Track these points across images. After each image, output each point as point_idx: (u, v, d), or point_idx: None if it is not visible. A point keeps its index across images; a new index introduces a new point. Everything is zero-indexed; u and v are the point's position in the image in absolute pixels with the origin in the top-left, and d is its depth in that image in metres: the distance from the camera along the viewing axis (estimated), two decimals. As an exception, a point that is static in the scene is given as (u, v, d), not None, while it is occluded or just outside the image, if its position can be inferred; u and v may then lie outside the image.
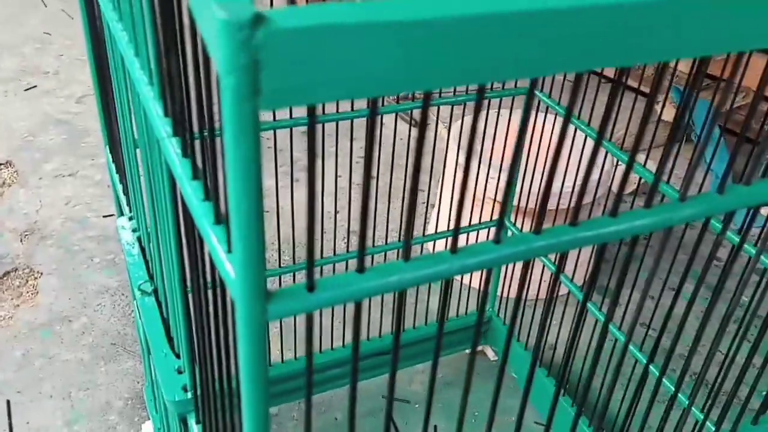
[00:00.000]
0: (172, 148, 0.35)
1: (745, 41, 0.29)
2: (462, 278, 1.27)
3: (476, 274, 1.45)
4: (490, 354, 1.33)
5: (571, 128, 1.02)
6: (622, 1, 0.24)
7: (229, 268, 0.27)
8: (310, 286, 0.28)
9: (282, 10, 0.22)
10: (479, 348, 1.35)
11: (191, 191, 0.32)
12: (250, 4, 0.21)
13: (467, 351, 1.34)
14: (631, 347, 0.96)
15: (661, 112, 1.24)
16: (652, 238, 1.53)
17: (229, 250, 0.28)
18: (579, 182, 1.22)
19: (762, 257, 0.67)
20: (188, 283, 0.42)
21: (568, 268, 1.26)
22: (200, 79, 0.28)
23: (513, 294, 1.34)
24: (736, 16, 0.28)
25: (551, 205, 1.27)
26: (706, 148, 1.86)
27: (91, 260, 1.53)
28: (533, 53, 0.25)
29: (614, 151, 0.90)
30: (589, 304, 1.04)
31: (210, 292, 0.35)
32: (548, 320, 1.25)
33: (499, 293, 1.28)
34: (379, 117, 1.00)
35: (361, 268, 0.29)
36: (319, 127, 0.93)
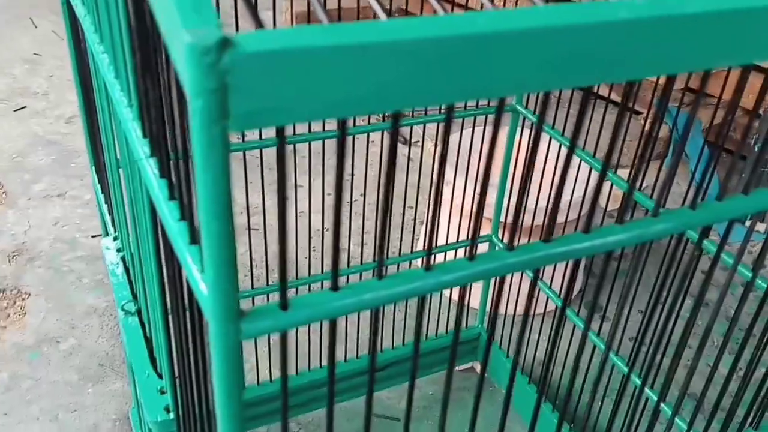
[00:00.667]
0: (149, 168, 0.36)
1: (719, 58, 0.30)
2: (451, 294, 1.27)
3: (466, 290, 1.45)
4: (479, 370, 1.33)
5: (557, 144, 1.02)
6: (578, 22, 0.25)
7: (203, 287, 0.27)
8: (284, 305, 0.28)
9: (249, 34, 0.22)
10: (470, 364, 1.35)
11: (167, 211, 0.32)
12: (217, 29, 0.21)
13: (458, 368, 1.34)
14: (617, 360, 0.97)
15: (658, 130, 1.25)
16: (641, 252, 1.54)
17: (203, 270, 0.28)
18: (554, 197, 1.22)
19: (743, 270, 0.68)
20: (168, 303, 0.42)
21: (557, 282, 1.26)
22: (173, 100, 0.29)
23: (506, 311, 1.34)
24: (710, 33, 0.28)
25: (538, 221, 1.27)
26: (695, 164, 1.87)
27: (79, 281, 1.52)
28: (499, 73, 0.25)
29: (591, 161, 0.91)
30: (574, 317, 1.04)
31: (188, 312, 0.35)
32: (527, 335, 1.25)
33: (490, 309, 1.28)
34: (367, 135, 1.00)
35: (335, 287, 0.29)
36: (305, 145, 0.94)
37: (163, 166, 0.34)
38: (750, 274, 0.71)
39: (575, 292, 1.53)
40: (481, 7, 0.28)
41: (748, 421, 0.62)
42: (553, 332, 1.24)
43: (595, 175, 1.15)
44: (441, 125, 1.43)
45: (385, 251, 0.29)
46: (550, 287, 1.11)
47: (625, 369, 0.96)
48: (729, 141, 1.95)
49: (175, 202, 0.32)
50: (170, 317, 0.42)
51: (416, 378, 1.17)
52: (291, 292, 1.11)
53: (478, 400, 0.41)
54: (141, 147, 0.37)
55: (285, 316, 0.28)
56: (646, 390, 0.92)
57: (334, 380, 0.32)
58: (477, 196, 0.29)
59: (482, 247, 1.19)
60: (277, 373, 1.20)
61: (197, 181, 0.23)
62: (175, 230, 0.31)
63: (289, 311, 0.28)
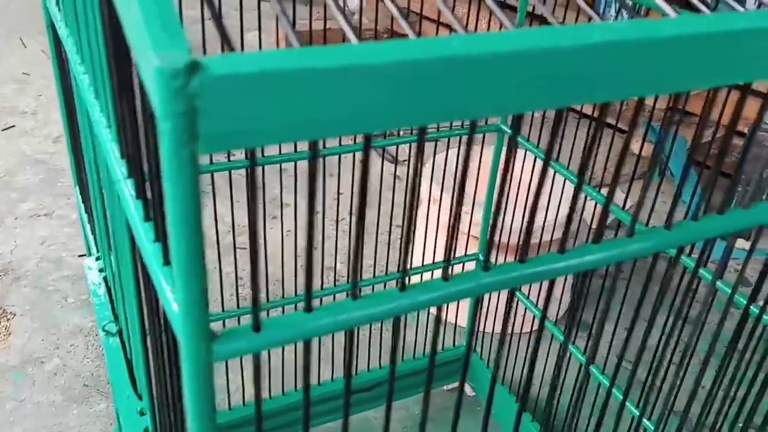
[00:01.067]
0: (126, 189, 0.36)
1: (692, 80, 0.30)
2: (439, 312, 1.27)
3: (452, 309, 1.45)
4: (468, 390, 1.33)
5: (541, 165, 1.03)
6: (545, 46, 0.25)
7: (174, 307, 0.27)
8: (256, 327, 0.28)
9: (217, 58, 0.22)
10: (457, 384, 1.34)
11: (143, 232, 0.32)
12: (187, 53, 0.22)
13: (445, 387, 1.33)
14: (600, 375, 0.96)
15: (641, 149, 1.26)
16: (628, 270, 1.54)
17: (175, 291, 0.28)
18: (528, 216, 1.23)
19: (722, 285, 0.68)
20: (146, 324, 0.41)
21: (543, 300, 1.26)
22: (147, 122, 0.29)
23: (493, 328, 1.34)
24: (678, 57, 0.29)
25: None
26: (682, 183, 1.89)
27: (65, 300, 1.51)
28: (470, 96, 0.26)
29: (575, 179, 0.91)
30: (557, 333, 1.04)
31: (164, 334, 0.35)
32: (506, 352, 1.25)
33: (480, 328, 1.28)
34: (353, 154, 1.00)
35: (308, 308, 0.29)
36: (291, 164, 0.94)
37: (139, 188, 0.34)
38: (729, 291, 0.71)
39: (563, 311, 1.53)
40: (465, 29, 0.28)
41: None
42: (532, 349, 1.24)
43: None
44: (425, 145, 1.44)
45: (359, 272, 0.29)
46: (536, 306, 1.11)
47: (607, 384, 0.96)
48: (711, 159, 1.97)
49: (150, 223, 0.32)
50: (148, 338, 0.42)
51: (403, 399, 1.16)
52: (277, 312, 1.10)
53: (457, 417, 0.41)
54: (119, 168, 0.37)
55: (258, 338, 0.28)
56: (629, 405, 0.92)
57: (309, 402, 0.32)
58: (452, 217, 0.29)
59: (470, 266, 1.19)
60: (263, 394, 1.19)
61: (167, 202, 0.23)
62: (150, 251, 0.31)
63: (261, 332, 0.28)
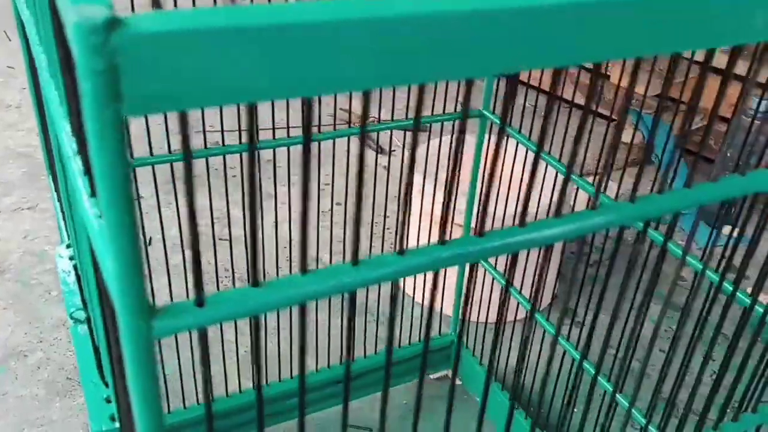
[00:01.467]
0: (76, 166, 0.35)
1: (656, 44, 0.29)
2: (423, 301, 1.26)
3: (438, 297, 1.44)
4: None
5: (522, 150, 1.02)
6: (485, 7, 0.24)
7: (113, 284, 0.26)
8: (200, 302, 0.27)
9: (141, 15, 0.21)
10: (444, 372, 1.34)
11: (89, 208, 0.31)
12: (106, 8, 0.21)
13: (431, 376, 1.33)
14: (587, 366, 0.96)
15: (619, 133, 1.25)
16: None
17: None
18: (523, 200, 1.22)
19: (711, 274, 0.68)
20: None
21: (527, 289, 1.26)
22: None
23: (478, 317, 1.33)
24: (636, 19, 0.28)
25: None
26: (668, 169, 1.88)
27: (48, 293, 1.50)
28: (410, 59, 0.25)
29: (561, 168, 0.90)
30: (544, 322, 1.03)
31: (112, 315, 0.34)
32: (499, 341, 1.24)
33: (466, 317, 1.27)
34: (333, 142, 0.99)
35: (255, 282, 0.28)
36: (276, 155, 0.93)
37: (86, 163, 0.33)
38: (717, 278, 0.70)
39: (549, 299, 1.53)
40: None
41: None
42: (521, 345, 1.23)
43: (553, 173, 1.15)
44: (418, 132, 1.42)
45: (305, 245, 0.28)
46: (520, 292, 1.10)
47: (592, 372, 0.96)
48: (695, 145, 1.96)
49: (95, 198, 0.31)
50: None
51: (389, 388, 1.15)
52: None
53: (450, 409, 0.40)
54: (70, 144, 0.36)
55: (201, 313, 0.27)
56: (618, 396, 0.91)
57: (262, 404, 0.31)
58: (461, 206, 0.28)
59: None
60: (246, 384, 1.18)
61: (93, 167, 0.22)
62: (95, 228, 0.30)
63: (205, 308, 0.27)
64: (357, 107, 2.03)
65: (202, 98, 0.22)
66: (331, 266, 0.29)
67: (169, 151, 0.88)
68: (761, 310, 0.50)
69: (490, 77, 1.01)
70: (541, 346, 1.08)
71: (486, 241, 0.32)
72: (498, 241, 0.32)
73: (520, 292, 1.10)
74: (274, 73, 0.23)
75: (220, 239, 1.39)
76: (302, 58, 0.23)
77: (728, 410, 0.56)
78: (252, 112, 0.24)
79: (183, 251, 0.90)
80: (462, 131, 0.30)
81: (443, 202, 0.31)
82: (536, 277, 0.36)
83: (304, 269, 0.29)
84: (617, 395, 0.92)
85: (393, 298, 0.32)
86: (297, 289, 0.29)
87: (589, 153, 1.33)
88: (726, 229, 1.55)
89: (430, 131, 2.05)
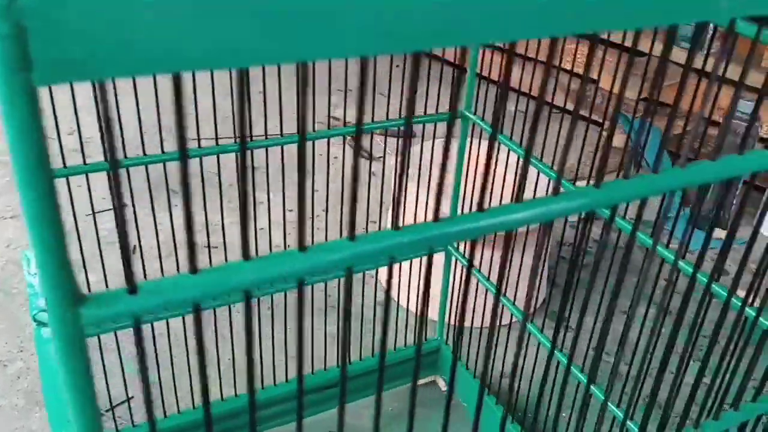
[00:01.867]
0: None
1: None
2: (408, 305, 1.25)
3: (420, 301, 1.42)
4: (441, 384, 1.30)
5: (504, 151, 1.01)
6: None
7: (41, 271, 0.25)
8: (132, 289, 0.25)
9: (51, -26, 0.20)
10: (430, 378, 1.32)
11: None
12: (12, -32, 0.19)
13: (418, 381, 1.31)
14: (580, 375, 0.94)
15: (609, 138, 1.24)
16: (599, 263, 1.52)
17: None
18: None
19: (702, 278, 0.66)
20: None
21: (520, 295, 1.24)
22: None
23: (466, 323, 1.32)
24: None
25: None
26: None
27: (29, 303, 1.47)
28: (360, 30, 0.23)
29: (550, 172, 0.89)
30: (537, 332, 1.02)
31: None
32: (494, 347, 1.23)
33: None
34: (327, 146, 0.98)
35: (193, 269, 0.27)
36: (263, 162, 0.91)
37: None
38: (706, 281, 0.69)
39: (539, 303, 1.51)
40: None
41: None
42: (516, 345, 1.22)
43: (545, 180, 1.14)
44: (410, 133, 1.41)
45: (247, 229, 0.27)
46: (505, 295, 1.09)
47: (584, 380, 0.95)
48: (682, 147, 1.96)
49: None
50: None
51: (371, 395, 1.14)
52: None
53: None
54: None
55: (133, 301, 0.25)
56: (610, 405, 0.90)
57: (209, 407, 0.29)
58: (445, 208, 0.27)
59: (438, 256, 1.17)
60: (228, 390, 1.16)
61: (7, 141, 0.21)
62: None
63: (138, 295, 0.25)
64: (350, 115, 2.02)
65: (120, 66, 0.21)
66: (276, 253, 0.28)
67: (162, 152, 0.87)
68: (739, 303, 0.49)
69: (477, 46, 1.00)
70: (527, 349, 1.06)
71: (445, 225, 0.31)
72: (462, 225, 0.30)
73: (505, 295, 1.08)
74: (204, 37, 0.21)
75: (213, 247, 1.38)
76: (236, 23, 0.21)
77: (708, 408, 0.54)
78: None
79: (177, 257, 0.89)
80: (450, 133, 0.29)
81: (435, 206, 0.30)
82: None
83: (246, 257, 0.27)
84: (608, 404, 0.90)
85: (386, 307, 0.31)
86: (238, 275, 0.27)
87: (583, 158, 1.32)
88: (719, 233, 1.54)
89: (413, 134, 2.04)
